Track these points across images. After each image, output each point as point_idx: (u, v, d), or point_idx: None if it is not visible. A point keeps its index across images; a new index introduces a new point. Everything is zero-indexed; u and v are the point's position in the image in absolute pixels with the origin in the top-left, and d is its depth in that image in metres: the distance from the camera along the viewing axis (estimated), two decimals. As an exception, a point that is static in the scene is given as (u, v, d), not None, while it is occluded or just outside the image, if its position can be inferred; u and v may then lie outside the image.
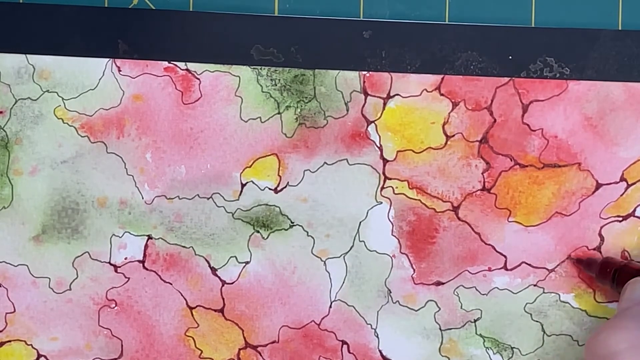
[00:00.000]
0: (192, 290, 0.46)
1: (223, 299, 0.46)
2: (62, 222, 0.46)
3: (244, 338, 0.46)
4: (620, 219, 0.46)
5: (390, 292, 0.46)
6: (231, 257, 0.46)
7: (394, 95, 0.46)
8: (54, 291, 0.46)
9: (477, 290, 0.46)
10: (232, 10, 0.46)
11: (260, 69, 0.46)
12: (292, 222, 0.46)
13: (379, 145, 0.46)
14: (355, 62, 0.46)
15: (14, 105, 0.46)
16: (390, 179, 0.46)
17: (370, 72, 0.46)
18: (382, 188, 0.46)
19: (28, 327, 0.46)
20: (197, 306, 0.46)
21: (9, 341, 0.46)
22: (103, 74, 0.46)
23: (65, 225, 0.46)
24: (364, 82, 0.46)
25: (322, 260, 0.46)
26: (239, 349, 0.46)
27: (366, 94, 0.46)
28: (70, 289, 0.46)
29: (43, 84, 0.46)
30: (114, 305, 0.46)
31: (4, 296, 0.46)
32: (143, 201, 0.46)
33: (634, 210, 0.46)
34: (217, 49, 0.46)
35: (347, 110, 0.46)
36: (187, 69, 0.46)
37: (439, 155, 0.46)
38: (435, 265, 0.46)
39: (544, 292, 0.46)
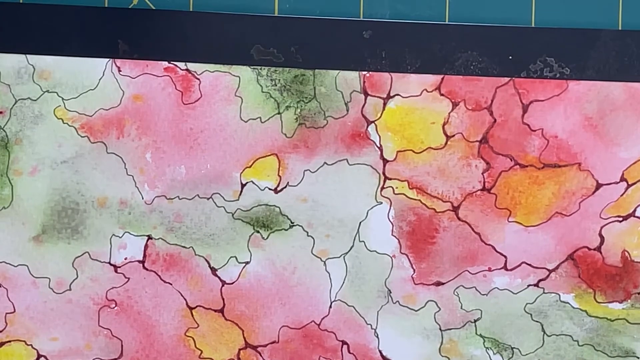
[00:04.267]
0: (192, 291, 0.46)
1: (223, 299, 0.46)
2: (62, 222, 0.46)
3: (244, 338, 0.46)
4: (621, 219, 0.46)
5: (390, 292, 0.46)
6: (231, 257, 0.46)
7: (394, 96, 0.46)
8: (54, 291, 0.46)
9: (477, 290, 0.46)
10: (232, 10, 0.46)
11: (260, 69, 0.46)
12: (292, 222, 0.46)
13: (379, 146, 0.46)
14: (355, 62, 0.46)
15: (14, 105, 0.46)
16: (390, 179, 0.46)
17: (370, 72, 0.46)
18: (382, 188, 0.46)
19: (28, 327, 0.46)
20: (197, 306, 0.46)
21: (9, 341, 0.46)
22: (103, 74, 0.46)
23: (65, 225, 0.46)
24: (364, 82, 0.46)
25: (322, 260, 0.46)
26: (239, 349, 0.46)
27: (366, 94, 0.46)
28: (70, 289, 0.46)
29: (43, 84, 0.46)
30: (114, 305, 0.46)
31: (4, 296, 0.46)
32: (143, 201, 0.46)
33: (634, 210, 0.46)
34: (217, 49, 0.46)
35: (347, 110, 0.46)
36: (187, 69, 0.46)
37: (439, 155, 0.46)
38: (435, 265, 0.46)
39: (544, 293, 0.46)
